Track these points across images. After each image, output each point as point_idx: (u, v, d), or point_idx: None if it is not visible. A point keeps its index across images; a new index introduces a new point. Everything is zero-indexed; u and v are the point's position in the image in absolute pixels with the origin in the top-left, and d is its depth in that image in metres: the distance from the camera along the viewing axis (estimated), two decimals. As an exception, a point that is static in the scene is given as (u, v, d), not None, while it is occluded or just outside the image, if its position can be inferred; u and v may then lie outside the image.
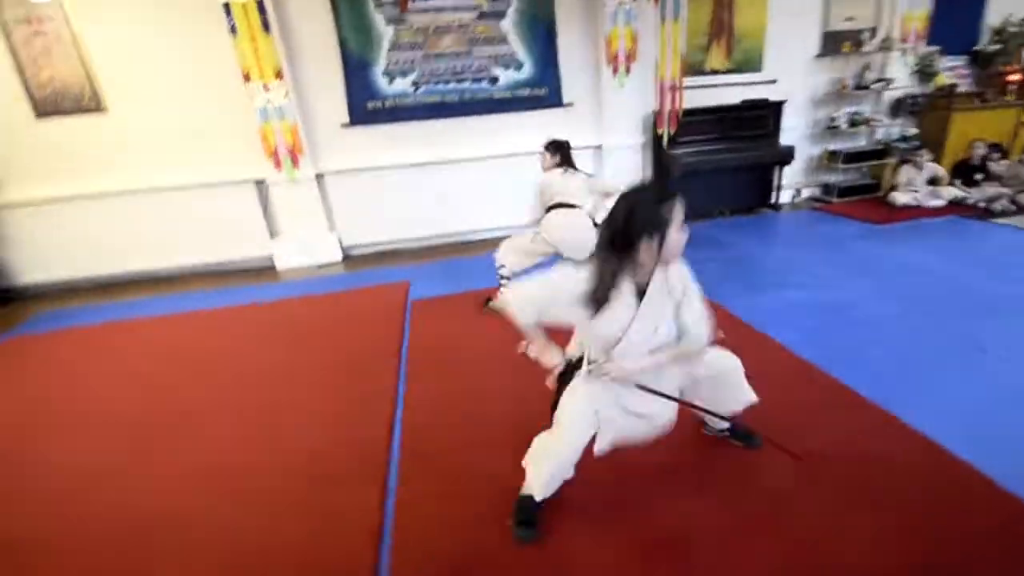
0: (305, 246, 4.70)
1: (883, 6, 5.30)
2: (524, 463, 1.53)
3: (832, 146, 5.58)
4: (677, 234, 1.25)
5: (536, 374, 1.58)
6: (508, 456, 1.63)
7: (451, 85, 4.69)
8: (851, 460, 1.70)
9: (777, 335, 2.57)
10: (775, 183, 5.36)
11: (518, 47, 4.72)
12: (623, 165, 5.08)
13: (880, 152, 5.54)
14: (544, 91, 4.89)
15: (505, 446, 1.73)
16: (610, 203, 1.32)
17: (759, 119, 5.06)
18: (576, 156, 3.11)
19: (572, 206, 2.91)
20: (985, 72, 5.65)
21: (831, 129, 5.52)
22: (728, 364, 1.59)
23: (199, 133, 4.36)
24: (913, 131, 5.54)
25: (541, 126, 4.82)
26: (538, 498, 1.50)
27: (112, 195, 4.30)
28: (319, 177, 4.60)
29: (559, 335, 1.52)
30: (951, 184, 5.06)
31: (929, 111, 5.48)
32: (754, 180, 5.35)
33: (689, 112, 4.86)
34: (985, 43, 5.66)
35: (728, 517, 1.52)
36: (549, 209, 2.94)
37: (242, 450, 2.00)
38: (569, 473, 1.49)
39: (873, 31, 5.34)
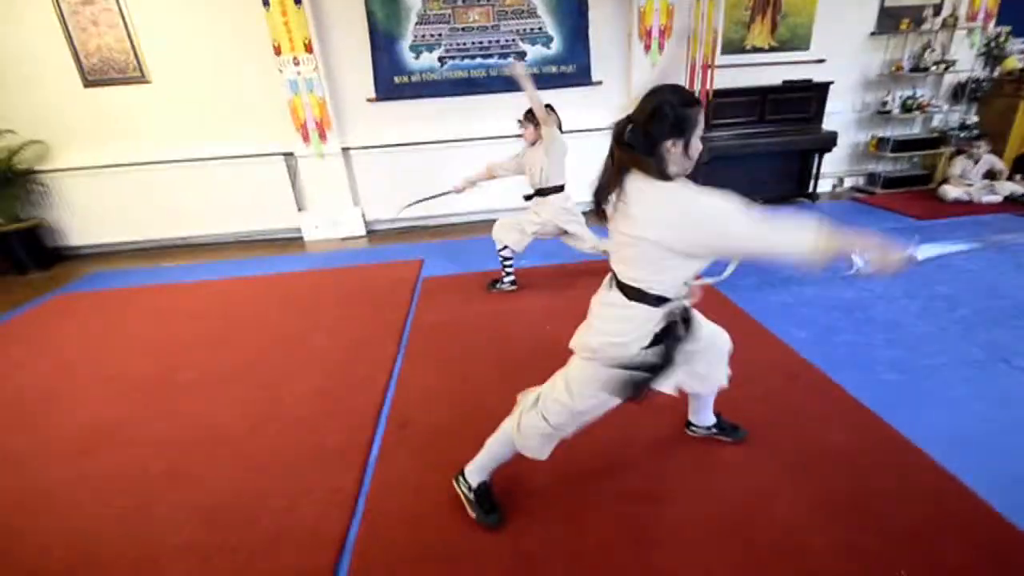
0: (330, 220, 4.83)
1: (951, -20, 4.86)
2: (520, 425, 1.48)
3: (881, 132, 5.23)
4: (698, 142, 1.23)
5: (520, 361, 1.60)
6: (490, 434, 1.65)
7: (477, 60, 4.64)
8: (830, 472, 1.67)
9: (784, 333, 2.51)
10: (814, 171, 5.08)
11: (548, 20, 4.60)
12: (651, 147, 4.92)
13: (935, 141, 5.16)
14: (573, 68, 4.77)
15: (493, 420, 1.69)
16: None
17: (801, 102, 4.80)
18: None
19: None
20: (1063, 56, 5.12)
21: (881, 114, 5.16)
22: (725, 339, 1.62)
23: (233, 106, 4.51)
24: (974, 119, 5.10)
25: (569, 104, 4.70)
26: (487, 478, 1.57)
27: (153, 164, 4.53)
28: (345, 151, 4.69)
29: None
30: (1010, 179, 4.68)
31: (994, 98, 5.03)
32: (791, 167, 5.10)
33: (724, 93, 4.66)
34: (1067, 23, 5.10)
35: (701, 515, 1.53)
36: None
37: (241, 415, 2.15)
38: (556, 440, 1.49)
39: (937, 8, 4.90)
